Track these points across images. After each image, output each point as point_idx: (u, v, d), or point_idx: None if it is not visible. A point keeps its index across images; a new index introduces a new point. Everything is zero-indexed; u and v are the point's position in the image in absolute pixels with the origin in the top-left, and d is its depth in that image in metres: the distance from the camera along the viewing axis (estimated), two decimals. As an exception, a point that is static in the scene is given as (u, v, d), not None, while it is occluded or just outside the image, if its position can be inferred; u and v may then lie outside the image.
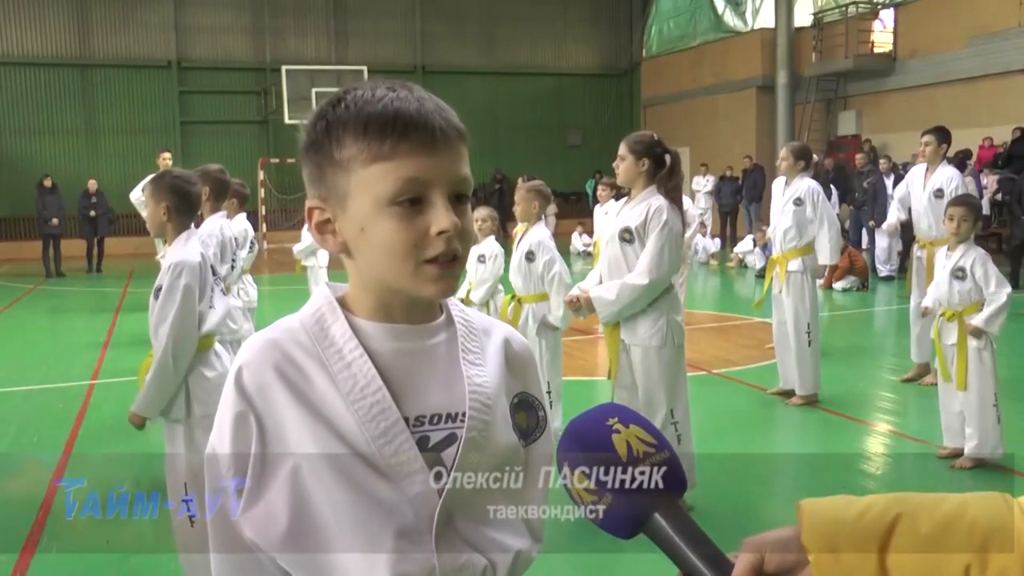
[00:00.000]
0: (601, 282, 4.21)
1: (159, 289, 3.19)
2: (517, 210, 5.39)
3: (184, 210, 3.30)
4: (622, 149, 4.09)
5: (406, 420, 1.01)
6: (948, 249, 4.75)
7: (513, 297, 5.18)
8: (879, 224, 12.64)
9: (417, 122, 0.98)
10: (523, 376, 1.15)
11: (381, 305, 1.05)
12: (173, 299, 3.12)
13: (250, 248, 6.16)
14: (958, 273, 4.62)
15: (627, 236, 4.05)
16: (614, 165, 4.16)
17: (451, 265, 1.00)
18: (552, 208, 17.08)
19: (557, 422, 5.03)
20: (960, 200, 4.88)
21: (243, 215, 6.05)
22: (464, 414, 1.04)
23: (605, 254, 4.22)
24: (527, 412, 1.12)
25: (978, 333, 4.58)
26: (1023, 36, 14.10)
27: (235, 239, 5.48)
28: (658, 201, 4.03)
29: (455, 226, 0.98)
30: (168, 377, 3.12)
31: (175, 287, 3.13)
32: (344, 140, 1.00)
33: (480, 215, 5.85)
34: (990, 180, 12.55)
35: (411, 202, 0.98)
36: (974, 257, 4.62)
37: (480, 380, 1.06)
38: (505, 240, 6.09)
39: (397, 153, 0.98)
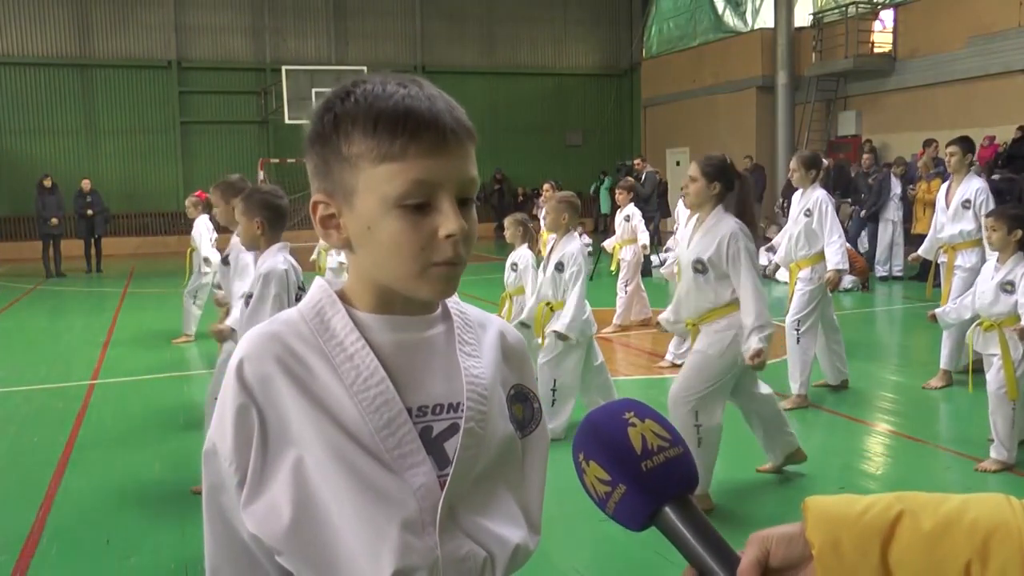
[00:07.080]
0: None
1: (250, 296, 3.44)
2: (547, 220, 5.50)
3: (276, 223, 3.53)
4: (693, 170, 4.14)
5: (408, 411, 1.01)
6: (997, 262, 4.80)
7: (547, 304, 5.33)
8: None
9: (428, 122, 0.97)
10: (519, 368, 1.16)
11: (381, 298, 1.04)
12: (264, 306, 3.34)
13: None
14: (1007, 287, 4.67)
15: (699, 267, 4.13)
16: (682, 185, 4.22)
17: (454, 268, 1.00)
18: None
19: (562, 419, 5.27)
20: (991, 211, 5.02)
21: None
22: (463, 404, 1.04)
23: (683, 278, 4.28)
24: (523, 404, 1.13)
25: None
26: (1023, 36, 14.11)
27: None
28: (728, 226, 4.06)
29: (462, 230, 0.98)
30: None
31: (265, 296, 3.36)
32: (353, 136, 0.98)
33: (509, 221, 5.92)
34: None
35: (419, 204, 0.97)
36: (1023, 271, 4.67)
37: (477, 372, 1.07)
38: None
39: (407, 154, 0.96)
